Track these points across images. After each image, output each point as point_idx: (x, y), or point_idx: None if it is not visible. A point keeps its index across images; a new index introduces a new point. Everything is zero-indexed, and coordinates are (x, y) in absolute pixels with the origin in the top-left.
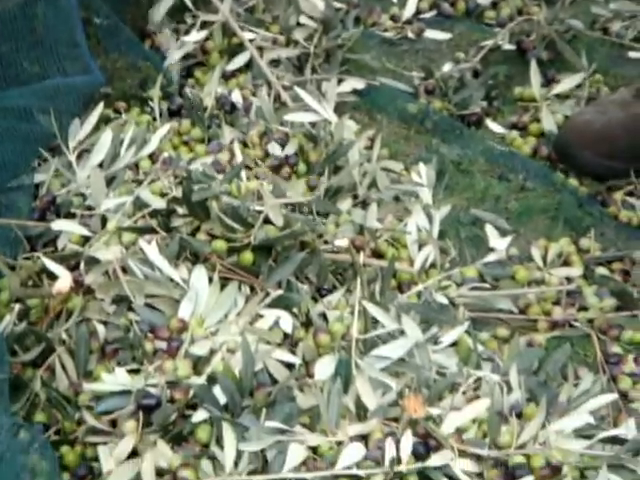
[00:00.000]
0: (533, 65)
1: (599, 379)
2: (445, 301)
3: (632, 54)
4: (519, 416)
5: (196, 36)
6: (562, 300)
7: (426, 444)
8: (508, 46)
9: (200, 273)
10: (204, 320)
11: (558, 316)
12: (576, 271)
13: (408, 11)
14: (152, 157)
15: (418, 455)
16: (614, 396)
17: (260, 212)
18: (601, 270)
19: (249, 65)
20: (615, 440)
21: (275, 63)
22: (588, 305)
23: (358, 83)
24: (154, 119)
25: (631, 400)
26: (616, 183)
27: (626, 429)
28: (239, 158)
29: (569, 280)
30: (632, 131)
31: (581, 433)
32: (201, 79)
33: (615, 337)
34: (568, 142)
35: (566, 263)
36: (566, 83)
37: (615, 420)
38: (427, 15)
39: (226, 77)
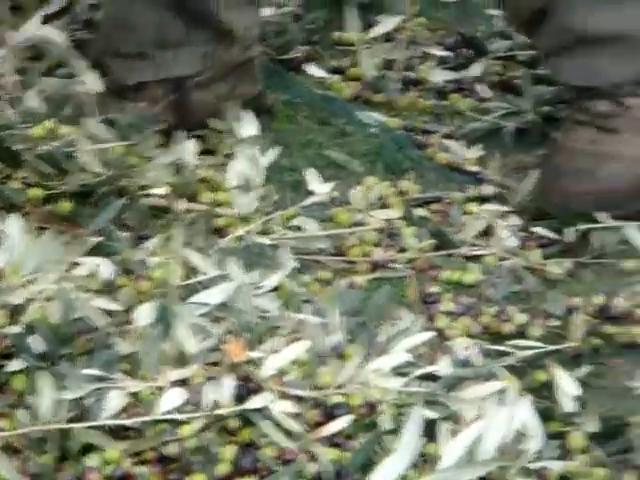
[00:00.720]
0: (351, 9)
1: (417, 318)
2: (267, 245)
3: None
4: (339, 357)
5: None
6: (382, 242)
7: (247, 387)
8: None
9: (15, 221)
10: (20, 268)
11: (378, 257)
12: (396, 213)
13: None
14: None
15: (239, 398)
16: (431, 334)
17: (74, 157)
18: (420, 211)
19: None
20: (431, 377)
21: None
22: (407, 246)
23: None
24: None
25: (447, 338)
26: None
27: (441, 366)
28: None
29: (389, 222)
30: None
31: (399, 371)
32: None
33: (433, 277)
34: None
35: (386, 205)
36: (382, 27)
37: (432, 358)
38: None
39: None
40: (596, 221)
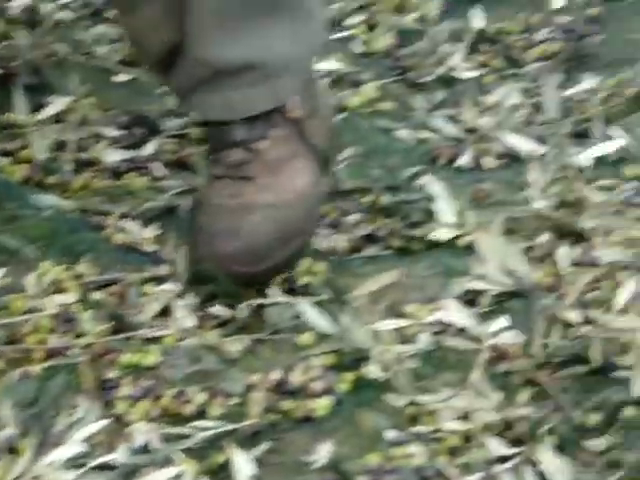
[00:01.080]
0: (18, 90)
1: (95, 406)
2: None
3: (118, 78)
4: (11, 452)
5: None
6: (58, 328)
7: None
8: None
9: None
10: None
11: (54, 344)
12: (71, 297)
13: None
14: None
15: None
16: (109, 421)
17: None
18: (97, 295)
19: None
20: (108, 466)
21: None
22: (84, 331)
23: None
24: None
25: (127, 423)
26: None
27: (119, 454)
28: None
29: (65, 307)
30: None
31: (75, 463)
32: None
33: (111, 361)
34: None
35: (61, 290)
36: (52, 108)
37: (110, 446)
38: None
39: None
40: (266, 296)
